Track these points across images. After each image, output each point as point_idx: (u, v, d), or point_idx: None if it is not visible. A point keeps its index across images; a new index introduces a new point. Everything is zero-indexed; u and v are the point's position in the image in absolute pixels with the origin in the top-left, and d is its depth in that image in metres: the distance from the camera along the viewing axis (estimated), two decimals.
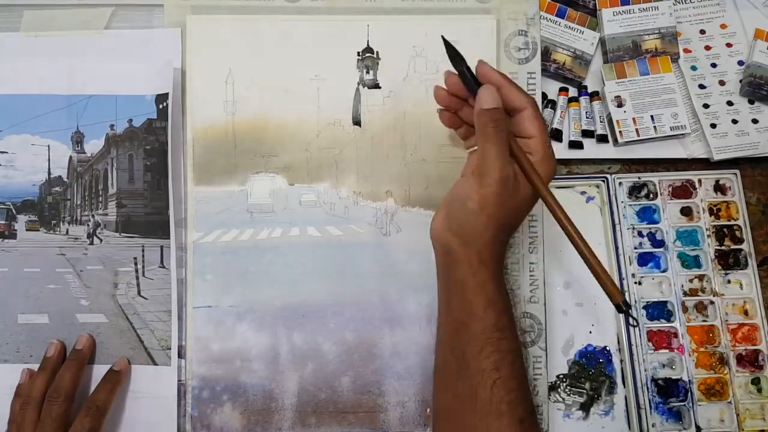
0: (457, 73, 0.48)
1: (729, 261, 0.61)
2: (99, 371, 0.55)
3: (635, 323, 0.41)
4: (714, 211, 0.62)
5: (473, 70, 0.47)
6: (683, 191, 0.63)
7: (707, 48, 0.66)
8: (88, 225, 0.59)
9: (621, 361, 0.60)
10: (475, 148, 0.47)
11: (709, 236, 0.62)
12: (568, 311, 0.61)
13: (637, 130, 0.62)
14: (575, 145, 0.64)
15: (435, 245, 0.48)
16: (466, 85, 0.47)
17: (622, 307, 0.42)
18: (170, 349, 0.56)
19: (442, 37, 0.49)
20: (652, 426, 0.57)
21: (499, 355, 0.43)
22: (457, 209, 0.45)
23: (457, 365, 0.45)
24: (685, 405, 0.58)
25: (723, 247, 0.62)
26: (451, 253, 0.46)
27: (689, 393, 0.58)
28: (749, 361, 0.59)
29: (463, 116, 0.51)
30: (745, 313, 0.60)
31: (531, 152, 0.45)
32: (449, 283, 0.46)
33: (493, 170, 0.43)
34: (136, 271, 0.58)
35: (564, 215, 0.44)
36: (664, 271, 0.61)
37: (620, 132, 0.62)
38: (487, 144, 0.44)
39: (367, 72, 0.60)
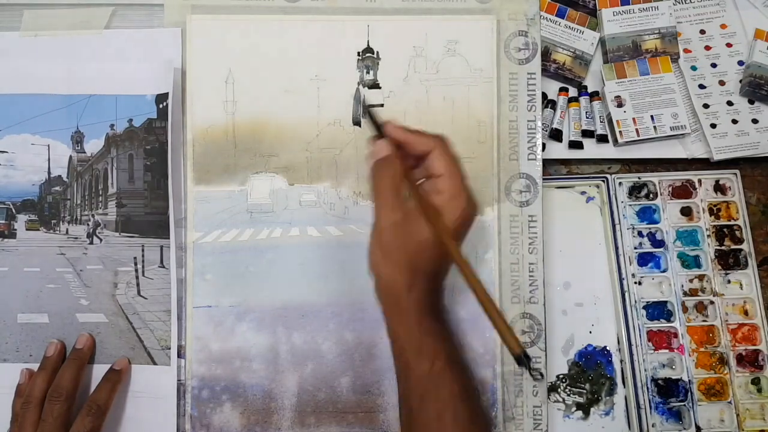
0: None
1: (729, 261, 0.61)
2: (99, 371, 0.55)
3: (539, 376, 0.40)
4: (714, 211, 0.62)
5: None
6: (683, 191, 0.63)
7: (707, 48, 0.66)
8: (88, 225, 0.59)
9: (621, 361, 0.60)
10: None
11: (709, 236, 0.62)
12: (567, 311, 0.61)
13: (637, 130, 0.62)
14: (575, 145, 0.64)
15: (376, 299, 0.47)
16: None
17: (523, 360, 0.40)
18: (170, 348, 0.56)
19: (368, 110, 0.48)
20: (652, 426, 0.57)
21: (440, 404, 0.42)
22: (372, 260, 0.45)
23: (406, 416, 0.44)
24: (685, 405, 0.58)
25: (723, 247, 0.62)
26: (381, 302, 0.46)
27: (689, 393, 0.58)
28: (749, 361, 0.59)
29: None
30: (745, 313, 0.60)
31: (439, 191, 0.44)
32: (387, 333, 0.46)
33: (380, 216, 0.44)
34: (136, 270, 0.58)
35: (460, 258, 0.42)
36: (664, 271, 0.61)
37: (620, 132, 0.62)
38: (374, 192, 0.45)
39: (367, 72, 0.60)
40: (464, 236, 0.46)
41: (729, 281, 0.61)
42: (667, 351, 0.59)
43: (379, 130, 0.47)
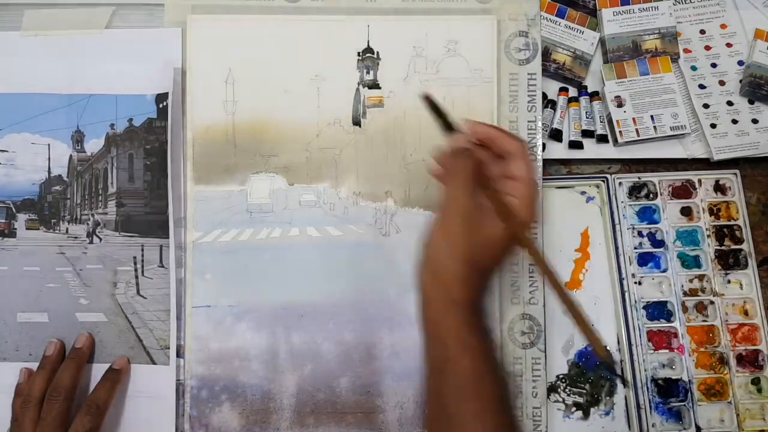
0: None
1: (729, 261, 0.61)
2: (98, 370, 0.55)
3: (624, 383, 0.44)
4: (714, 211, 0.62)
5: (462, 128, 0.50)
6: (683, 191, 0.63)
7: (707, 48, 0.66)
8: (87, 224, 0.59)
9: (621, 361, 0.60)
10: None
11: (709, 236, 0.62)
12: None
13: (637, 130, 0.62)
14: (575, 145, 0.64)
15: (417, 287, 0.47)
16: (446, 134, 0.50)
17: (613, 369, 0.42)
18: (169, 348, 0.56)
19: (427, 98, 0.50)
20: (652, 426, 0.57)
21: (479, 404, 0.41)
22: (430, 246, 0.45)
23: (439, 412, 0.43)
24: (685, 405, 0.58)
25: (723, 247, 0.61)
26: (425, 291, 0.45)
27: (689, 393, 0.58)
28: (749, 361, 0.59)
29: None
30: (745, 313, 0.60)
31: (515, 194, 0.46)
32: (425, 323, 0.45)
33: (453, 202, 0.45)
34: (136, 270, 0.58)
35: (540, 260, 0.46)
36: (664, 271, 0.61)
37: (620, 132, 0.62)
38: (450, 179, 0.46)
39: (367, 72, 0.60)
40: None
41: (729, 281, 0.61)
42: (667, 351, 0.59)
43: (448, 125, 0.50)
